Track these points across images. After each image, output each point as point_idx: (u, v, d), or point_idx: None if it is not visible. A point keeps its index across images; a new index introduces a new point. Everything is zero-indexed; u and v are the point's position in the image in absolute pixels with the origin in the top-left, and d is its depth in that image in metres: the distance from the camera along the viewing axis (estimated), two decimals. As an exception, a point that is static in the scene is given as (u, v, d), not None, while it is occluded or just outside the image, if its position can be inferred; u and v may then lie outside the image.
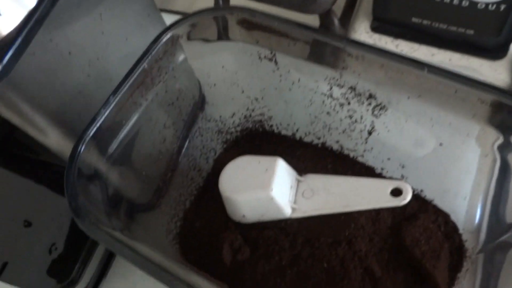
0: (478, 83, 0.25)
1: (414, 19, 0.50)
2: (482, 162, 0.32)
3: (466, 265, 0.34)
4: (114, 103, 0.27)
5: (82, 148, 0.26)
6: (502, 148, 0.29)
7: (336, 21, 0.52)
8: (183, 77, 0.34)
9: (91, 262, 0.39)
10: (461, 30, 0.49)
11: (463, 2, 0.45)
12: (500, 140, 0.29)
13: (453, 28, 0.49)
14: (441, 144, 0.30)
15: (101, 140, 0.27)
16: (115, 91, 0.27)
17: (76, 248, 0.39)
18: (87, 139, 0.26)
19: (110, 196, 0.29)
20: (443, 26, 0.49)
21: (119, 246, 0.24)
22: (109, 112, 0.27)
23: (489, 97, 0.25)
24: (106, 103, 0.27)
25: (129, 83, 0.28)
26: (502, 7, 0.44)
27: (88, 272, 0.39)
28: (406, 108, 0.29)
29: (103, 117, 0.27)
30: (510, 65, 0.50)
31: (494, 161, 0.31)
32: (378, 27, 0.54)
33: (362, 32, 0.54)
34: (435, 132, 0.29)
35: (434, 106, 0.27)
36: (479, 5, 0.45)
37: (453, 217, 0.36)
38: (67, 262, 0.39)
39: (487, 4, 0.44)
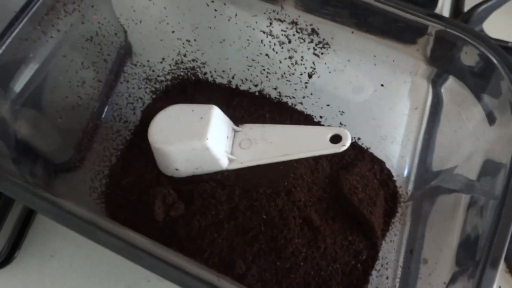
0: (423, 13, 0.24)
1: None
2: (415, 103, 0.32)
3: (400, 210, 0.35)
4: (18, 29, 0.23)
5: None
6: (435, 81, 0.29)
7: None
8: (103, 8, 0.29)
9: (1, 231, 0.36)
10: (395, -19, 0.49)
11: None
12: (434, 73, 0.29)
13: (388, -21, 0.49)
14: (382, 85, 0.29)
15: (2, 74, 0.23)
16: (18, 14, 0.23)
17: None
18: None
19: (20, 143, 0.25)
20: (378, -23, 0.49)
21: (30, 195, 0.20)
22: (11, 40, 0.22)
23: (435, 26, 0.24)
24: (7, 28, 0.22)
25: (36, 6, 0.23)
26: (435, -42, 0.44)
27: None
28: (350, 45, 0.28)
29: (4, 45, 0.22)
30: (439, 19, 0.51)
31: (426, 100, 0.31)
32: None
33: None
34: (377, 72, 0.29)
35: (378, 42, 0.26)
36: (413, -45, 0.44)
37: (388, 164, 0.36)
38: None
39: (421, -46, 0.44)
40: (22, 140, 0.25)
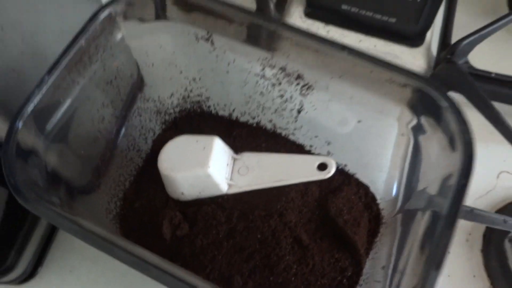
0: (388, 65, 0.28)
1: (344, 6, 0.53)
2: (399, 139, 0.36)
3: (382, 230, 0.38)
4: (52, 79, 0.27)
5: (20, 124, 0.26)
6: (415, 130, 0.33)
7: (271, 5, 0.54)
8: (121, 56, 0.34)
9: (27, 249, 0.40)
10: (385, 18, 0.53)
11: (386, -8, 0.49)
12: (414, 122, 0.32)
13: (378, 16, 0.53)
14: (359, 121, 0.34)
15: (39, 117, 0.27)
16: (52, 68, 0.27)
17: (11, 235, 0.39)
18: (25, 115, 0.26)
19: (50, 174, 0.29)
20: (369, 13, 0.53)
21: (62, 219, 0.24)
22: (47, 89, 0.27)
23: (398, 78, 0.28)
24: (43, 79, 0.27)
25: (66, 60, 0.28)
26: (419, -2, 0.49)
27: (24, 259, 0.39)
28: (330, 88, 0.32)
29: (41, 93, 0.27)
30: (426, 52, 0.55)
31: (409, 140, 0.35)
32: (311, 12, 0.57)
33: (297, 17, 0.57)
34: (355, 110, 0.33)
35: (353, 85, 0.31)
36: (400, -5, 0.49)
37: (373, 188, 0.40)
38: (2, 249, 0.38)
39: (406, -5, 0.48)
40: (51, 170, 0.30)
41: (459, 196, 0.25)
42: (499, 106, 0.50)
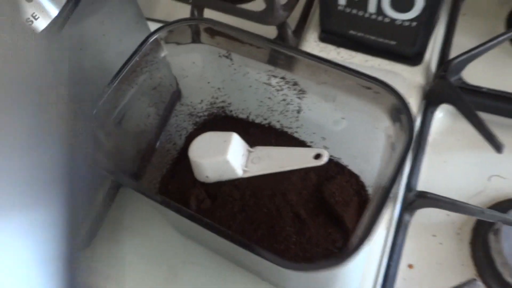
0: (355, 72, 0.36)
1: (351, 31, 0.63)
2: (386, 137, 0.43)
3: (369, 212, 0.46)
4: (114, 85, 0.39)
5: (95, 112, 0.37)
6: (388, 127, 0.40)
7: (290, 32, 0.65)
8: (164, 70, 0.45)
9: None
10: (386, 41, 0.62)
11: (385, 19, 0.58)
12: (386, 120, 0.39)
13: (380, 39, 0.62)
14: (343, 118, 0.42)
15: (106, 109, 0.39)
16: (115, 77, 0.39)
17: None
18: (98, 107, 0.38)
19: (109, 155, 0.40)
20: (373, 37, 0.62)
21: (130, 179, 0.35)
22: (111, 92, 0.38)
23: (363, 82, 0.37)
24: (111, 82, 0.38)
25: (126, 70, 0.39)
26: (414, 24, 0.57)
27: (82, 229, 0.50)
28: (318, 92, 0.41)
29: (106, 95, 0.38)
30: (425, 70, 0.63)
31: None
32: (324, 37, 0.66)
33: (312, 41, 0.67)
34: (339, 110, 0.41)
35: (334, 90, 0.39)
36: (396, 21, 0.57)
37: (363, 177, 0.48)
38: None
39: (402, 21, 0.57)
40: (110, 153, 0.41)
41: (400, 163, 0.32)
42: (490, 117, 0.56)
